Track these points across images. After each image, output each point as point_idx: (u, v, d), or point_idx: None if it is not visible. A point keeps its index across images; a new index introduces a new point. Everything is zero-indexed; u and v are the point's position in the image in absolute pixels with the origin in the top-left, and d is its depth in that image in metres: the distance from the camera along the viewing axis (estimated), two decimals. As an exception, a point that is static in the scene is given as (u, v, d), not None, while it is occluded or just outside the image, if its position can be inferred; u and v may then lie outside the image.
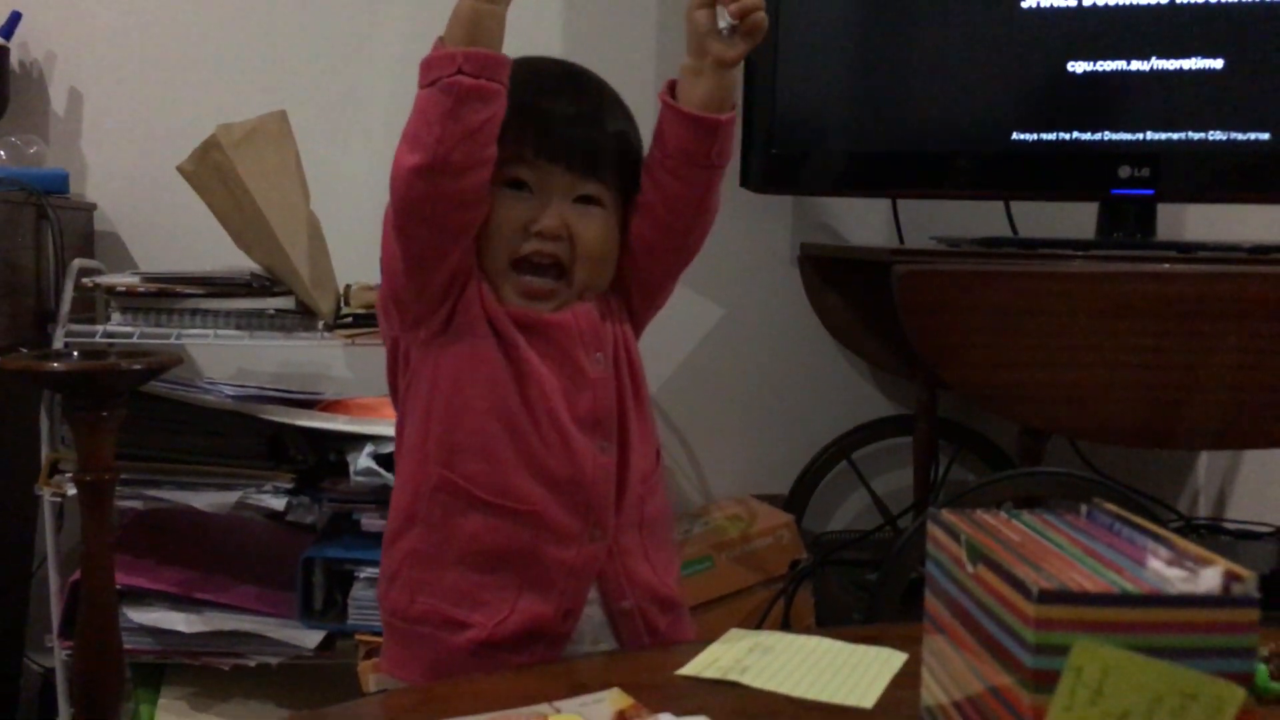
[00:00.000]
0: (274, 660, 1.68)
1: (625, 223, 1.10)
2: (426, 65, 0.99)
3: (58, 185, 1.90)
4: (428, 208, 0.99)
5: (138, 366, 1.48)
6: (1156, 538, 0.74)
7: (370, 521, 1.65)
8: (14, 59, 2.03)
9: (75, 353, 1.59)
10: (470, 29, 0.98)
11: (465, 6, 0.98)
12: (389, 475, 1.58)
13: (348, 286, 1.81)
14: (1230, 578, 0.65)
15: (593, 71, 1.12)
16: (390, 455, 1.60)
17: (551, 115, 1.04)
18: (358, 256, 1.87)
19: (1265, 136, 1.76)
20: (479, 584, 1.03)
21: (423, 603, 1.05)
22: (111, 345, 1.69)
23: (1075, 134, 1.81)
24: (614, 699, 0.85)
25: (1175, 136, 1.78)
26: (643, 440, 1.09)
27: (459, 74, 0.96)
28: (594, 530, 1.05)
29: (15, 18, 2.00)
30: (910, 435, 2.07)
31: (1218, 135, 1.77)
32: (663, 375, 2.14)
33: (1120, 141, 1.80)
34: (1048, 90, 1.83)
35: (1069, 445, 2.08)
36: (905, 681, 0.90)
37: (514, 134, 1.02)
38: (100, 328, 1.73)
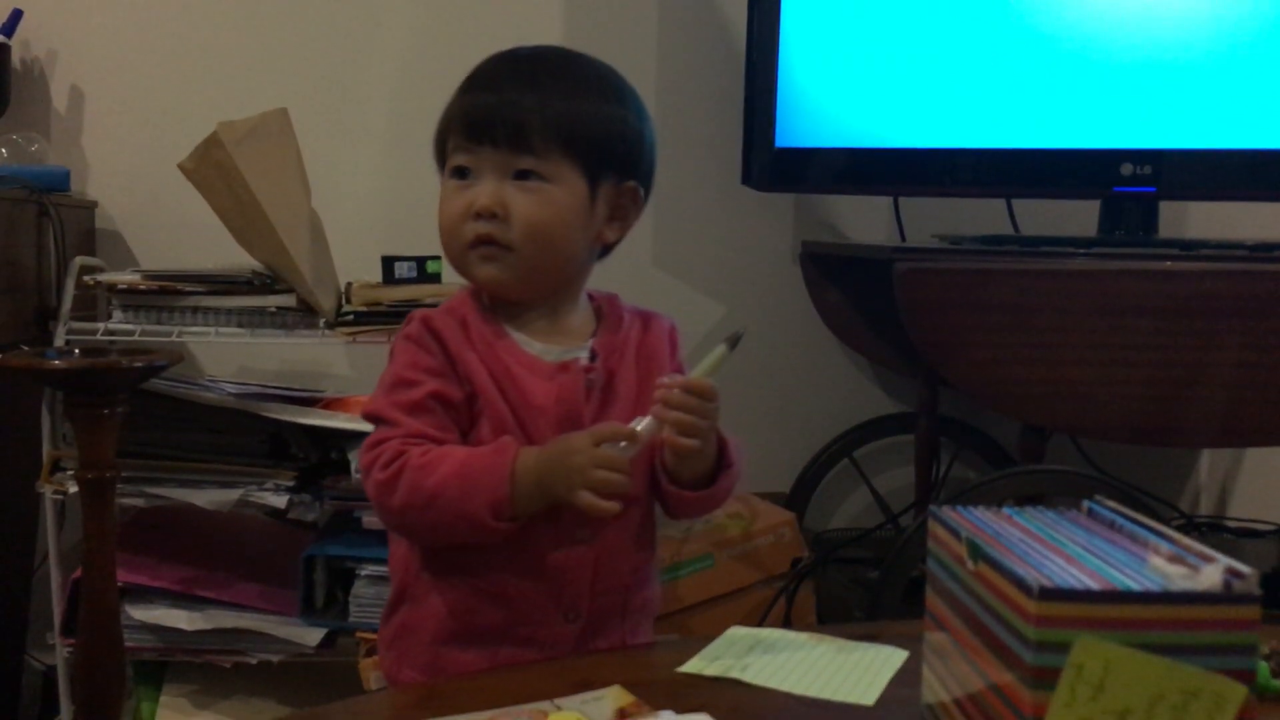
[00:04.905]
0: (275, 658, 1.68)
1: (618, 200, 1.08)
2: (477, 478, 0.98)
3: (59, 183, 1.90)
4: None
5: (139, 364, 1.48)
6: (1158, 535, 0.74)
7: (371, 519, 1.65)
8: (15, 57, 2.03)
9: (76, 350, 1.59)
10: (542, 500, 0.99)
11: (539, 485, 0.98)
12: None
13: (349, 284, 1.81)
14: (1231, 575, 0.65)
15: (564, 52, 1.09)
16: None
17: (477, 98, 1.05)
18: (359, 254, 1.87)
19: (1268, 134, 1.76)
20: (454, 660, 1.04)
21: (408, 674, 1.06)
22: (113, 343, 1.69)
23: (1077, 132, 1.81)
24: (615, 696, 0.85)
25: (1178, 134, 1.78)
26: (634, 530, 1.08)
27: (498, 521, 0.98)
28: (569, 613, 1.04)
29: (16, 15, 2.00)
30: (912, 433, 2.07)
31: (1220, 133, 1.77)
32: (664, 373, 2.13)
33: (1122, 139, 1.80)
34: (1051, 87, 1.83)
35: (1070, 443, 2.08)
36: (906, 679, 0.90)
37: (453, 124, 1.05)
38: (101, 325, 1.73)
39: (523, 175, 1.03)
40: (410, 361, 1.03)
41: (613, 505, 0.96)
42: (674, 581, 1.70)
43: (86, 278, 1.75)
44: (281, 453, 1.69)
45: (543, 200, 1.03)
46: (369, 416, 1.05)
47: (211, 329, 1.73)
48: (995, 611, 0.70)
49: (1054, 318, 1.60)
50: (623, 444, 0.97)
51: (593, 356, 1.07)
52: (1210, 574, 0.66)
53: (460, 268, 1.06)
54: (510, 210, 1.02)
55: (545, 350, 1.06)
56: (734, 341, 1.02)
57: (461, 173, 1.05)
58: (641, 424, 0.98)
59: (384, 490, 0.99)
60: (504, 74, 1.06)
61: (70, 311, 1.73)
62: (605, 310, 1.11)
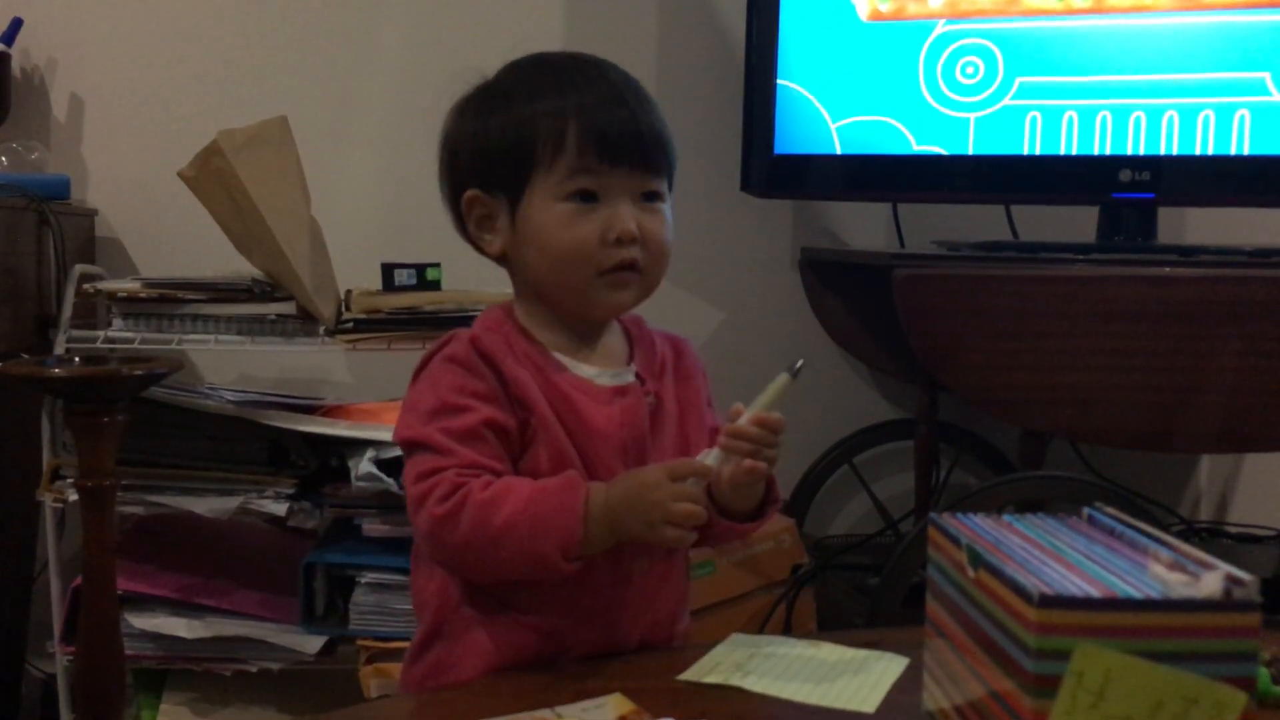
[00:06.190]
0: (275, 666, 1.68)
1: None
2: (548, 516, 0.93)
3: (59, 191, 1.90)
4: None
5: (139, 372, 1.49)
6: (1158, 541, 0.74)
7: (371, 526, 1.65)
8: (15, 65, 2.03)
9: (77, 358, 1.59)
10: (612, 538, 0.95)
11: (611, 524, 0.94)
12: (390, 480, 1.58)
13: (349, 291, 1.81)
14: (1232, 582, 0.65)
15: (608, 61, 1.07)
16: (391, 460, 1.60)
17: (610, 119, 1.00)
18: (358, 261, 1.87)
19: (1266, 141, 1.76)
20: None
21: None
22: (113, 351, 1.69)
23: (1076, 138, 1.81)
24: (615, 704, 0.85)
25: (1176, 140, 1.78)
26: (681, 559, 1.06)
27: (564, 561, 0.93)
28: (617, 644, 1.01)
29: (17, 24, 2.00)
30: (911, 439, 2.06)
31: (1218, 139, 1.77)
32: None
33: (1121, 145, 1.80)
34: (1050, 93, 1.83)
35: (1070, 449, 2.08)
36: (907, 686, 0.90)
37: (574, 143, 0.98)
38: (101, 333, 1.73)
39: (649, 197, 1.01)
40: (457, 385, 0.97)
41: (693, 536, 0.94)
42: (674, 588, 1.70)
43: (86, 286, 1.75)
44: (281, 460, 1.69)
45: (664, 222, 1.02)
46: (410, 443, 0.97)
47: (211, 337, 1.73)
48: (995, 619, 0.70)
49: (1053, 323, 1.60)
50: (691, 479, 0.94)
51: (639, 380, 1.03)
52: (1210, 581, 0.66)
53: (581, 294, 1.00)
54: (645, 234, 1.00)
55: (597, 374, 1.01)
56: (796, 371, 0.97)
57: (588, 196, 0.99)
58: (710, 457, 0.96)
59: (443, 525, 0.93)
60: (617, 93, 1.02)
61: (70, 319, 1.73)
62: (635, 332, 1.08)
